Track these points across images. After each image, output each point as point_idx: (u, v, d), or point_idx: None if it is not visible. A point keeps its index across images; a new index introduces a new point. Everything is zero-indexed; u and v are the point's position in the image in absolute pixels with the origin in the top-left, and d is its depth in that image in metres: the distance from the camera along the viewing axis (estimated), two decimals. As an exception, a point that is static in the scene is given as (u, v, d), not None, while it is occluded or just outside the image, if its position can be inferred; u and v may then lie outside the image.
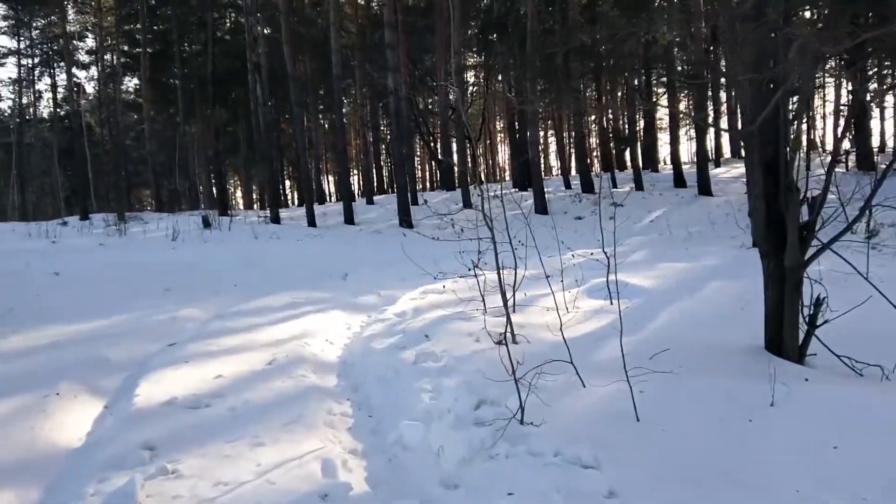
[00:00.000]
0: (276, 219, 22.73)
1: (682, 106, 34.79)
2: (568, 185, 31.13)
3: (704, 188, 23.70)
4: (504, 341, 5.41)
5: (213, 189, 30.98)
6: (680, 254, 12.47)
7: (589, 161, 38.02)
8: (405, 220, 21.54)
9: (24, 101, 43.40)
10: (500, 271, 6.67)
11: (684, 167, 29.83)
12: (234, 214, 25.32)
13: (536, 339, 6.29)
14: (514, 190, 29.82)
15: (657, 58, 25.93)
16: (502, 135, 67.12)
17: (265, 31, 29.57)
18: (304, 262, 14.29)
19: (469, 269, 8.99)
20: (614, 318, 5.01)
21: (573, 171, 35.88)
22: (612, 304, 7.77)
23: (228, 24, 38.65)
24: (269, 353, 6.68)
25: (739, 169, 33.85)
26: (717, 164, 37.51)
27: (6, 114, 46.19)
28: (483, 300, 8.12)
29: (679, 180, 26.65)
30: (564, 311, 7.46)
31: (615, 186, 29.46)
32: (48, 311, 8.86)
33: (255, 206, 39.67)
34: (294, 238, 18.16)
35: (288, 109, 29.11)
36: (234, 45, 35.09)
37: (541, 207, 22.41)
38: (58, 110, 42.08)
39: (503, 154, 70.56)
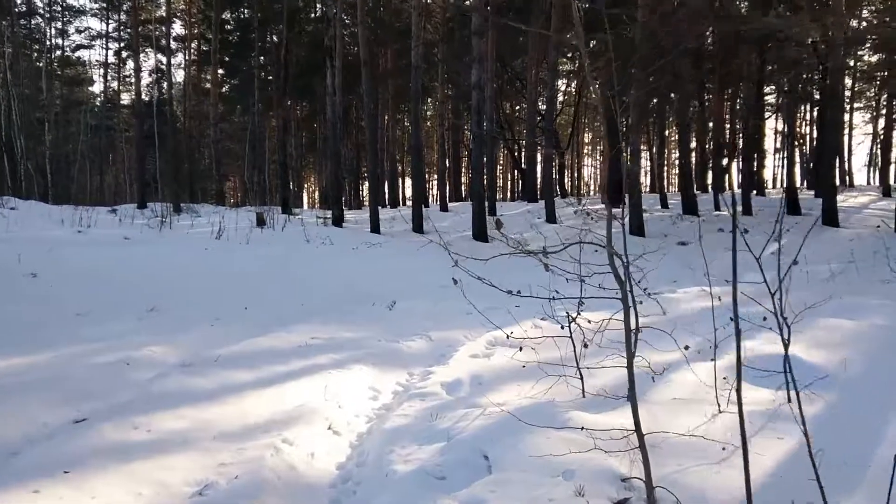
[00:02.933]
0: (337, 220, 20.06)
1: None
2: (665, 205, 27.50)
3: (831, 218, 19.80)
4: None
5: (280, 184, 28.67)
6: (834, 305, 9.05)
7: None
8: (480, 234, 18.52)
9: (111, 85, 42.43)
10: (632, 352, 3.61)
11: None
12: (296, 213, 22.81)
13: (693, 498, 3.20)
14: (602, 206, 26.45)
15: (784, 64, 22.18)
16: (589, 147, 63.47)
17: (344, 16, 27.06)
18: (349, 279, 11.43)
19: (555, 317, 6.14)
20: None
21: (670, 189, 32.25)
22: (788, 399, 4.69)
23: (314, 15, 36.48)
24: (212, 462, 3.81)
25: (859, 198, 29.55)
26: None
27: (94, 97, 45.47)
28: (581, 377, 5.09)
29: (794, 206, 22.71)
30: (714, 405, 4.41)
31: (717, 209, 25.75)
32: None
33: (316, 206, 37.40)
34: (349, 246, 15.38)
35: (360, 97, 26.56)
36: (318, 35, 32.94)
37: (636, 228, 19.03)
38: (142, 96, 40.81)
39: (588, 169, 66.84)
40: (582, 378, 5.16)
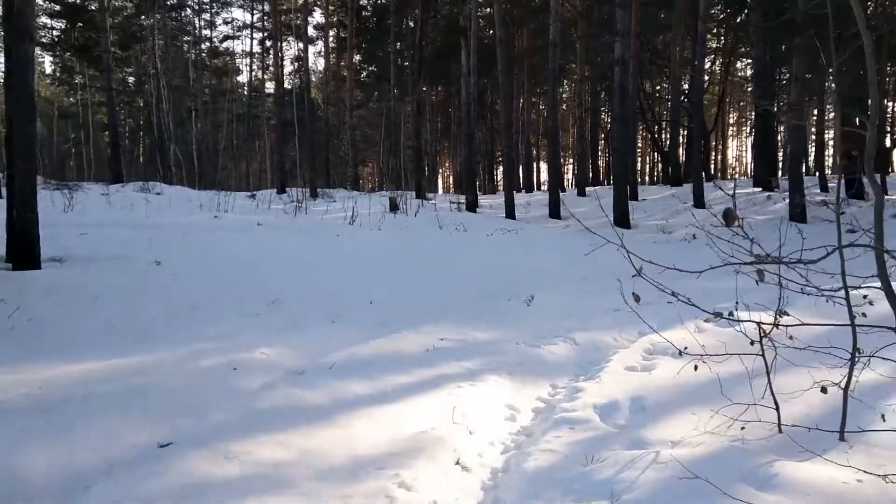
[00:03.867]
0: (471, 206, 19.25)
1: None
2: (824, 188, 24.77)
3: None
4: None
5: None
6: None
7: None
8: (622, 219, 17.13)
9: (256, 75, 43.72)
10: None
11: None
12: (429, 198, 22.21)
13: None
14: (756, 190, 24.16)
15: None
16: (734, 128, 59.42)
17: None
18: (484, 269, 10.53)
19: (729, 318, 5.09)
20: None
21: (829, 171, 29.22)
22: None
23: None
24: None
25: None
26: None
27: (241, 87, 47.03)
28: (776, 405, 3.93)
29: None
30: None
31: (885, 192, 22.86)
32: (78, 328, 5.83)
33: (450, 190, 36.80)
34: (483, 232, 14.49)
35: (495, 80, 25.55)
36: (453, 19, 32.24)
37: (798, 213, 16.98)
38: (283, 84, 41.78)
39: (734, 150, 62.71)
40: (777, 407, 3.97)
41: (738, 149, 64.57)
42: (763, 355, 4.13)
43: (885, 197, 20.96)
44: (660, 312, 8.11)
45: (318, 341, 5.87)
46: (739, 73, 44.61)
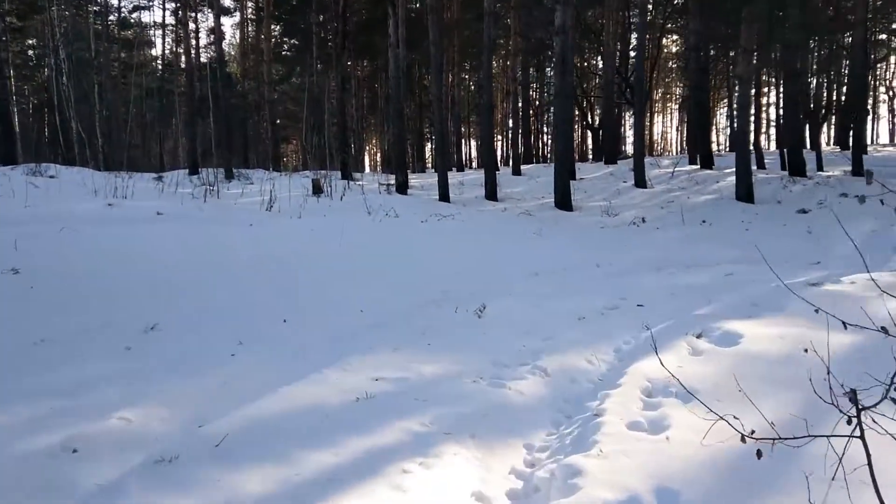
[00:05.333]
0: (402, 187, 17.62)
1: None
2: (761, 165, 24.16)
3: None
4: None
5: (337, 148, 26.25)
6: None
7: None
8: (563, 201, 15.82)
9: (168, 48, 40.55)
10: None
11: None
12: (356, 178, 20.43)
13: None
14: (695, 167, 23.31)
15: None
16: (659, 104, 59.19)
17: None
18: (422, 266, 8.99)
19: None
20: None
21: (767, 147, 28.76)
22: None
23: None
24: None
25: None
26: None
27: (154, 60, 43.71)
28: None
29: None
30: None
31: (820, 169, 22.39)
32: None
33: (379, 169, 35.06)
34: (417, 218, 12.92)
35: (423, 53, 23.87)
36: (378, -11, 30.25)
37: (744, 193, 16.04)
38: (191, 56, 38.87)
39: (658, 126, 62.65)
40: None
41: (664, 125, 64.69)
42: (862, 437, 2.69)
43: (825, 174, 20.36)
44: (631, 321, 6.77)
45: (206, 392, 4.22)
46: (665, 50, 44.07)
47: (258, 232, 10.29)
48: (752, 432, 2.66)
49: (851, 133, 29.79)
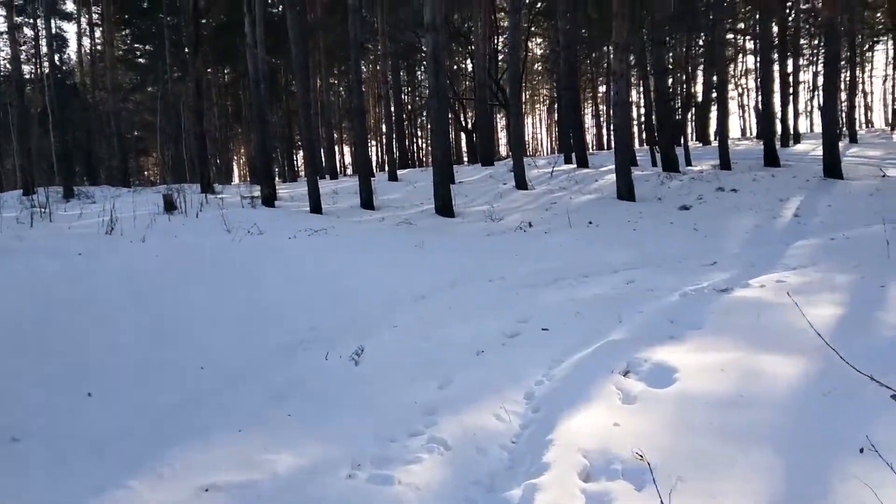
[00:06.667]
0: (268, 199, 15.88)
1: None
2: (633, 162, 24.01)
3: (834, 169, 16.61)
4: None
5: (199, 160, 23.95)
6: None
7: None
8: (444, 207, 14.66)
9: (6, 55, 36.39)
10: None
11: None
12: (218, 192, 18.45)
13: None
14: (571, 167, 22.85)
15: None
16: (528, 105, 59.68)
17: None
18: (283, 293, 7.49)
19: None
20: None
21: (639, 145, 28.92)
22: None
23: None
24: None
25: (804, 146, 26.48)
26: (797, 141, 30.39)
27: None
28: None
29: (771, 158, 19.45)
30: None
31: (689, 164, 22.48)
32: None
33: (247, 180, 32.87)
34: (284, 234, 11.32)
35: (288, 57, 22.15)
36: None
37: (626, 191, 15.48)
38: (39, 67, 35.03)
39: (529, 128, 63.21)
40: None
41: (534, 126, 65.50)
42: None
43: (696, 169, 20.35)
44: (539, 352, 5.61)
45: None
46: (530, 52, 44.24)
47: (84, 265, 8.40)
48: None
49: (714, 128, 30.68)
